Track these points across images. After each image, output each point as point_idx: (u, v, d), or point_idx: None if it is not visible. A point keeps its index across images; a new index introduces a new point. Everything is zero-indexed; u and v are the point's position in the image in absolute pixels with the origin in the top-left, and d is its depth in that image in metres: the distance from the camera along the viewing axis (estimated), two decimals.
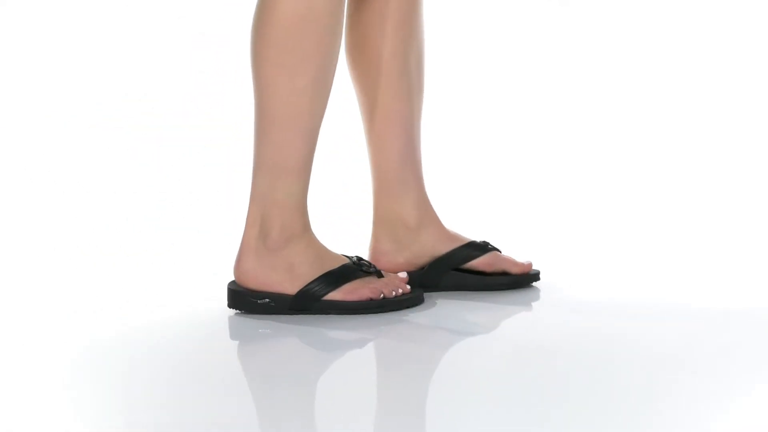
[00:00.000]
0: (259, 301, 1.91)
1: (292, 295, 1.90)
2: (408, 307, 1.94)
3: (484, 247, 2.05)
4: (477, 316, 1.95)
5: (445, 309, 1.96)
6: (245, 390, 1.61)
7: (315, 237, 1.93)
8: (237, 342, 1.85)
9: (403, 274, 1.99)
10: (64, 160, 3.12)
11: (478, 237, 2.10)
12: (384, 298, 1.91)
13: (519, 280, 2.05)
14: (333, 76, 1.90)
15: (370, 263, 1.95)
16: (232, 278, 1.94)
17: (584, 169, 3.12)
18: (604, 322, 1.89)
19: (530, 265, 2.06)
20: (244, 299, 1.92)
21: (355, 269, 1.91)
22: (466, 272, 2.04)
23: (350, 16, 2.02)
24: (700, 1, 3.50)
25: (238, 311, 1.93)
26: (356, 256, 1.96)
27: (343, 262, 1.92)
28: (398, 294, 1.93)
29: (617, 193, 2.91)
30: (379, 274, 1.93)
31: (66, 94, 3.38)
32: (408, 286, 1.95)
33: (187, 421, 1.47)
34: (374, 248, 2.04)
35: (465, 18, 3.42)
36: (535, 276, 2.07)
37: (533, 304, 2.00)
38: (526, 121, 3.35)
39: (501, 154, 3.24)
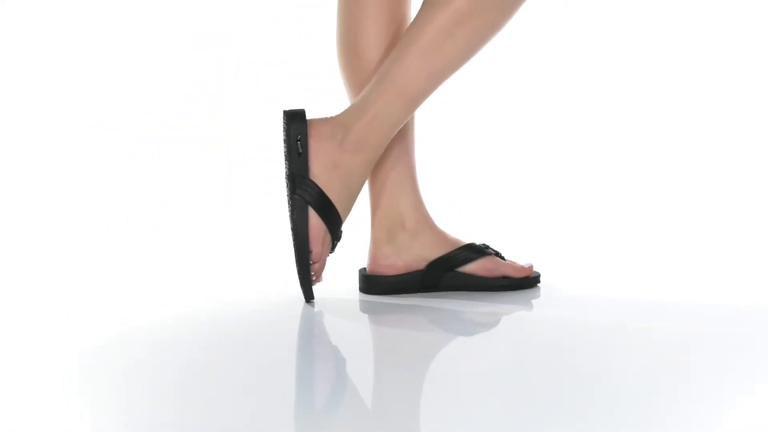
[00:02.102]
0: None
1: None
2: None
3: (482, 250, 2.04)
4: (476, 315, 1.95)
5: (445, 308, 1.97)
6: (245, 390, 1.61)
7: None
8: (237, 342, 1.85)
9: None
10: (64, 160, 3.12)
11: (478, 239, 2.10)
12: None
13: (520, 284, 2.05)
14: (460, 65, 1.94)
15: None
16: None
17: (584, 169, 3.12)
18: (604, 321, 1.89)
19: (531, 268, 2.06)
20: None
21: None
22: (465, 275, 2.04)
23: (342, 20, 2.02)
24: (700, 1, 3.50)
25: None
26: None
27: None
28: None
29: (616, 193, 2.91)
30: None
31: (66, 94, 3.38)
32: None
33: (187, 421, 1.48)
34: (374, 252, 2.04)
35: None
36: (536, 279, 2.06)
37: (533, 303, 2.00)
38: (525, 122, 3.35)
39: (500, 156, 3.24)
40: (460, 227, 2.16)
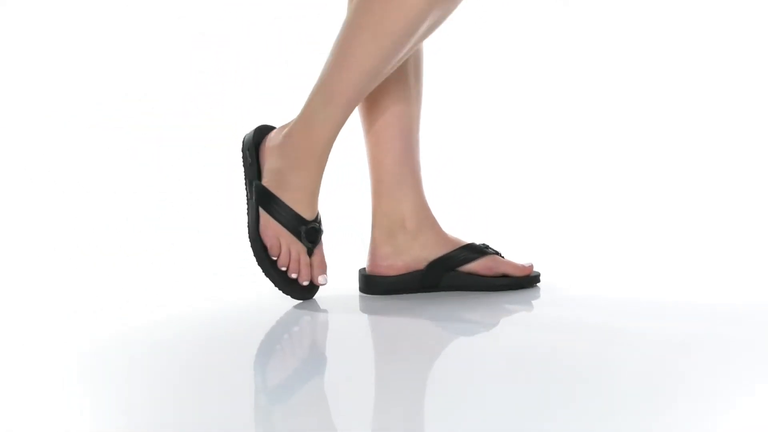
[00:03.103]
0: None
1: None
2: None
3: (482, 250, 2.05)
4: (477, 315, 1.95)
5: (445, 308, 1.97)
6: (245, 390, 1.61)
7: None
8: (237, 342, 1.85)
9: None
10: (64, 160, 3.12)
11: (478, 239, 2.10)
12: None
13: (520, 283, 2.05)
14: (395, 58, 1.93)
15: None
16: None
17: (584, 169, 3.12)
18: (604, 321, 1.89)
19: (531, 267, 2.06)
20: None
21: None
22: (465, 274, 2.04)
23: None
24: (700, 1, 3.50)
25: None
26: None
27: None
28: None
29: (617, 193, 2.92)
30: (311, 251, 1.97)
31: (66, 94, 3.38)
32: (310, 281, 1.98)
33: (187, 421, 1.48)
34: (373, 252, 2.04)
35: (464, 18, 3.42)
36: (536, 278, 2.07)
37: (533, 303, 2.01)
38: (525, 122, 3.35)
39: (501, 156, 3.24)
40: (461, 227, 2.16)
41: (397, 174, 2.03)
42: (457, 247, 2.04)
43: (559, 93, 3.41)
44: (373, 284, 2.03)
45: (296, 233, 1.95)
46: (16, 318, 1.98)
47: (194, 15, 3.46)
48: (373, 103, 2.01)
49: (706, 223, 2.63)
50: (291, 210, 1.94)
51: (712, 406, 1.50)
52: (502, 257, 2.06)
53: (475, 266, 2.03)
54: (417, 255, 2.03)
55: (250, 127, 2.06)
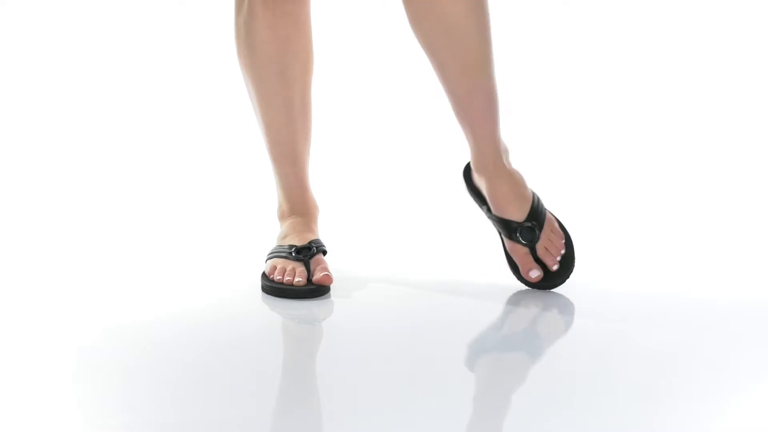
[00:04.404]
0: None
1: None
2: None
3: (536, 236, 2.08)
4: (479, 316, 1.95)
5: (447, 310, 1.97)
6: (245, 389, 1.61)
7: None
8: (236, 341, 1.85)
9: None
10: (64, 160, 3.12)
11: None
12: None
13: (522, 280, 2.05)
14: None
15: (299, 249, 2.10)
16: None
17: (586, 169, 3.12)
18: (606, 321, 1.89)
19: (537, 279, 2.05)
20: None
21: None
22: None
23: None
24: (700, 1, 3.50)
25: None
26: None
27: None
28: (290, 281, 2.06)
29: (617, 193, 2.91)
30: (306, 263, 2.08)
31: (66, 94, 3.38)
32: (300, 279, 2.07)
33: (188, 421, 1.48)
34: (492, 194, 2.13)
35: None
36: (533, 284, 2.05)
37: (536, 302, 2.00)
38: (525, 123, 3.35)
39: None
40: (466, 230, 2.16)
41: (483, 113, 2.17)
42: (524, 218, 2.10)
43: (560, 93, 3.41)
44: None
45: (288, 256, 2.07)
46: (16, 318, 1.98)
47: (194, 15, 3.46)
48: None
49: (706, 223, 2.63)
50: (284, 246, 2.10)
51: (712, 406, 1.50)
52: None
53: (517, 249, 2.06)
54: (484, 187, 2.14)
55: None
